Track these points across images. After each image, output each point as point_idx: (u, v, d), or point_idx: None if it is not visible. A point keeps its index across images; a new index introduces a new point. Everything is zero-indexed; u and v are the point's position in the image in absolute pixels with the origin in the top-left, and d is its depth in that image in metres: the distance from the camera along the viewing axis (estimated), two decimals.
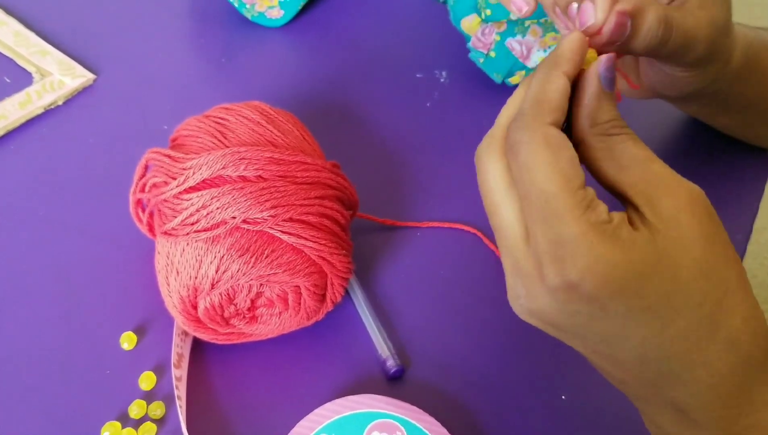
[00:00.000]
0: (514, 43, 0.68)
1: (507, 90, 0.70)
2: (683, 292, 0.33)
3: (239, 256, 0.46)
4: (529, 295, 0.34)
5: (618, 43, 0.39)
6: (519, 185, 0.33)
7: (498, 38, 0.68)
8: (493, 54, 0.69)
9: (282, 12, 0.75)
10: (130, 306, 0.54)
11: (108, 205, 0.59)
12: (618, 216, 0.33)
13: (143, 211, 0.51)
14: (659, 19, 0.40)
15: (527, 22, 0.67)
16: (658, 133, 0.69)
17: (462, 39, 0.72)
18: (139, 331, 0.52)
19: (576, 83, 0.36)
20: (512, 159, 0.34)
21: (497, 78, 0.69)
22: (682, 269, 0.32)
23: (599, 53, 0.39)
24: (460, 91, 0.71)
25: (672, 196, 0.33)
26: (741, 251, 0.61)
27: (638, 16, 0.40)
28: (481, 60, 0.69)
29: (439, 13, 0.77)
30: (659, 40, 0.41)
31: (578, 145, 0.36)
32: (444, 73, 0.72)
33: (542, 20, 0.67)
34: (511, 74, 0.70)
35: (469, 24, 0.69)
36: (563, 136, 0.33)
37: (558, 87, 0.35)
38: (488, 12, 0.66)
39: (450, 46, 0.74)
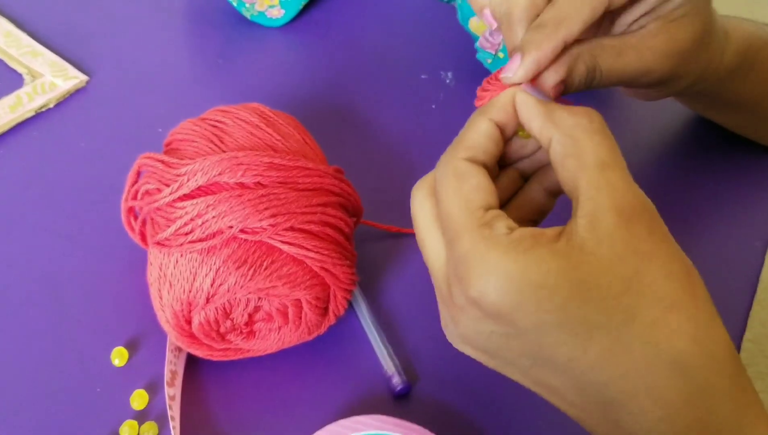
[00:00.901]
0: None
1: None
2: (602, 308, 0.31)
3: (236, 268, 0.43)
4: (453, 322, 0.35)
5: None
6: (439, 210, 0.35)
7: None
8: (501, 55, 0.66)
9: (282, 11, 0.72)
10: (121, 320, 0.51)
11: (99, 212, 0.56)
12: (522, 230, 0.32)
13: (135, 219, 0.48)
14: (587, 70, 0.40)
15: None
16: (666, 133, 0.66)
17: (468, 39, 0.69)
18: (131, 347, 0.50)
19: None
20: (436, 196, 0.36)
21: None
22: (602, 286, 0.30)
23: None
24: (466, 92, 0.68)
25: (614, 211, 0.31)
26: (759, 260, 0.58)
27: (571, 72, 0.39)
28: (489, 61, 0.67)
29: (443, 13, 0.74)
30: (587, 86, 0.41)
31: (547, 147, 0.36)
32: (450, 75, 0.70)
33: None
34: None
35: (477, 24, 0.67)
36: (473, 168, 0.35)
37: (478, 128, 0.36)
38: None
39: (455, 46, 0.72)
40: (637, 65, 0.42)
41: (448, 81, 0.69)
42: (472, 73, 0.69)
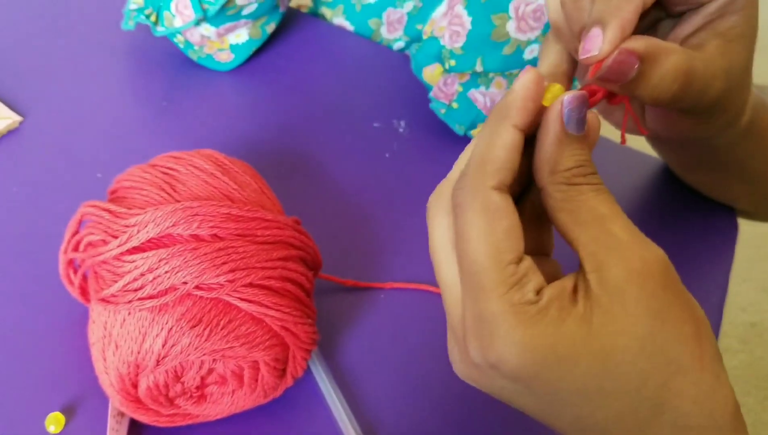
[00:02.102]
0: (477, 95, 0.64)
1: (469, 141, 0.67)
2: (617, 374, 0.30)
3: (191, 328, 0.40)
4: (461, 362, 0.34)
5: (618, 84, 0.35)
6: (456, 249, 0.32)
7: (461, 89, 0.64)
8: (455, 105, 0.65)
9: (232, 56, 0.70)
10: (58, 382, 0.46)
11: (34, 264, 0.52)
12: (549, 292, 0.31)
13: (75, 272, 0.45)
14: (677, 70, 0.36)
15: (491, 74, 0.64)
16: (628, 183, 0.66)
17: (421, 87, 0.69)
18: (68, 412, 0.45)
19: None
20: (454, 220, 0.33)
21: (459, 130, 0.66)
22: (618, 350, 0.30)
23: (595, 90, 0.35)
24: (420, 141, 0.67)
25: (622, 265, 0.30)
26: (716, 317, 0.58)
27: (652, 60, 0.35)
28: (443, 111, 0.66)
29: (395, 61, 0.73)
30: (671, 94, 0.37)
31: (540, 190, 0.33)
32: (402, 123, 0.68)
33: (507, 72, 0.64)
34: (473, 126, 0.66)
35: (431, 73, 0.66)
36: (504, 202, 0.31)
37: (505, 143, 0.32)
38: (452, 62, 0.63)
39: (408, 94, 0.71)
40: (704, 72, 0.39)
41: (401, 130, 0.68)
42: (426, 122, 0.68)
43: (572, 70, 0.39)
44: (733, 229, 0.64)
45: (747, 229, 0.67)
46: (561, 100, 0.32)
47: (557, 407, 0.32)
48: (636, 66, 0.35)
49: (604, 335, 0.30)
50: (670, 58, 0.36)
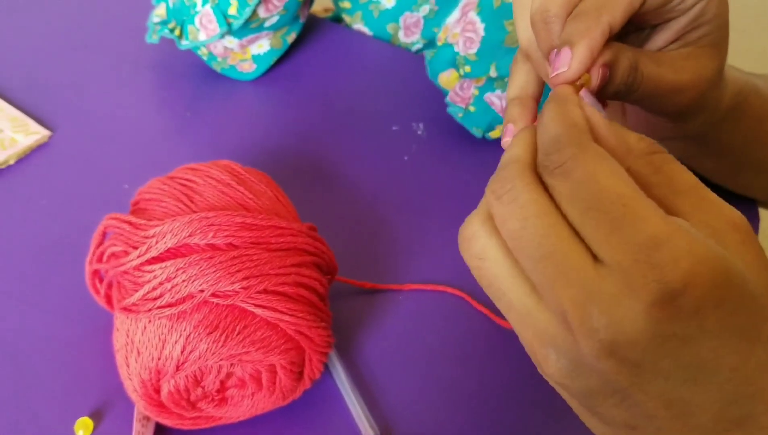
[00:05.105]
0: (493, 98, 0.65)
1: (487, 144, 0.67)
2: (761, 314, 0.29)
3: (208, 334, 0.41)
4: (609, 325, 0.28)
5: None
6: (577, 203, 0.29)
7: (477, 93, 0.65)
8: (472, 108, 0.66)
9: (254, 66, 0.71)
10: (85, 388, 0.48)
11: (62, 274, 0.54)
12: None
13: (101, 282, 0.46)
14: (631, 66, 0.38)
15: (506, 79, 0.64)
16: None
17: (439, 91, 0.69)
18: (96, 417, 0.47)
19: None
20: (562, 179, 0.30)
21: (477, 132, 0.66)
22: (758, 292, 0.29)
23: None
24: (438, 144, 0.68)
25: (735, 230, 0.30)
26: None
27: (615, 64, 0.37)
28: (460, 115, 0.66)
29: (413, 65, 0.74)
30: (627, 87, 0.39)
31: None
32: (421, 126, 0.69)
33: None
34: (491, 128, 0.67)
35: (447, 79, 0.67)
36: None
37: (580, 114, 0.32)
38: (467, 69, 0.64)
39: (426, 98, 0.71)
40: (673, 78, 0.41)
41: (419, 132, 0.69)
42: (444, 124, 0.69)
43: (540, 92, 0.40)
44: (755, 219, 0.63)
45: None
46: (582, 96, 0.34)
47: (718, 358, 0.29)
48: (608, 74, 0.37)
49: (747, 276, 0.29)
50: (624, 57, 0.38)
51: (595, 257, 0.29)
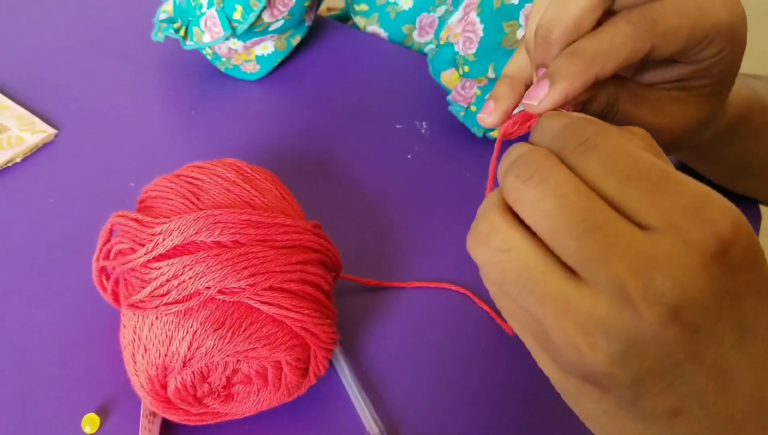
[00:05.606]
0: None
1: (489, 143, 0.68)
2: None
3: (214, 331, 0.41)
4: (674, 287, 0.27)
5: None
6: (614, 174, 0.29)
7: (479, 92, 0.65)
8: (473, 108, 0.66)
9: (258, 66, 0.71)
10: (92, 385, 0.49)
11: (69, 272, 0.55)
12: None
13: (108, 279, 0.47)
14: (607, 103, 0.39)
15: None
16: None
17: (441, 90, 0.70)
18: (103, 413, 0.48)
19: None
20: (588, 154, 0.29)
21: (478, 132, 0.67)
22: None
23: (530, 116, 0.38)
24: (441, 142, 0.68)
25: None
26: None
27: (591, 100, 0.39)
28: (462, 114, 0.67)
29: (417, 64, 0.75)
30: (601, 116, 0.39)
31: None
32: (424, 124, 0.70)
33: None
34: (492, 128, 0.67)
35: (449, 78, 0.67)
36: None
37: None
38: (466, 69, 0.64)
39: (430, 96, 0.72)
40: (650, 120, 0.40)
41: (423, 131, 0.69)
42: (447, 123, 0.69)
43: (531, 80, 0.41)
44: (756, 218, 0.63)
45: None
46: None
47: (759, 316, 0.29)
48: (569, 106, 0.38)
49: None
50: (605, 92, 0.39)
51: (639, 225, 0.28)
